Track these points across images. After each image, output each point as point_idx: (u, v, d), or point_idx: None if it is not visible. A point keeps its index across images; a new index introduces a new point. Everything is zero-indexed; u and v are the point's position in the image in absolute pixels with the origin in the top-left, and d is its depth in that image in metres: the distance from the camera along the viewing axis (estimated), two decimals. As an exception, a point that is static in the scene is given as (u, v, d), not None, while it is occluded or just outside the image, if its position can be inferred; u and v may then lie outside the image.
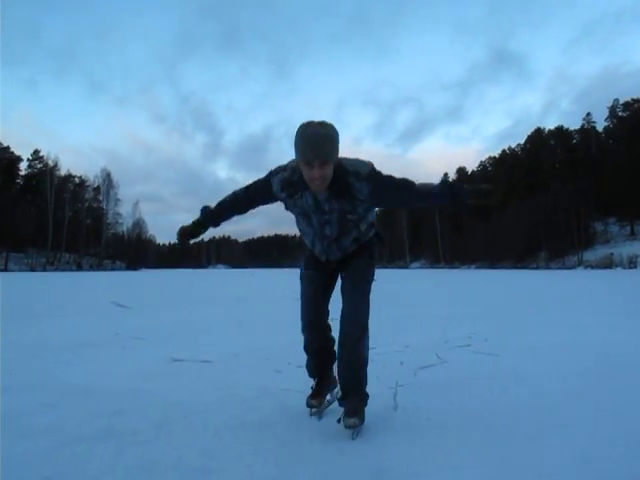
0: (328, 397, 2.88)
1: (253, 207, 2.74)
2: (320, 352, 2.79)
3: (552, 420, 2.53)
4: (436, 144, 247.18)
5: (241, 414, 2.67)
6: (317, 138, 2.19)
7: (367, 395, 2.55)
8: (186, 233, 2.68)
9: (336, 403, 2.68)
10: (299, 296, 2.76)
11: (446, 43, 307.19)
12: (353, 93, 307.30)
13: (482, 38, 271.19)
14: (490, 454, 2.10)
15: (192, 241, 2.68)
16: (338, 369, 2.58)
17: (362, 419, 2.42)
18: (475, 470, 1.94)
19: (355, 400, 2.46)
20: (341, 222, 2.49)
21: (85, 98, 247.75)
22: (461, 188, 2.40)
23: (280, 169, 2.51)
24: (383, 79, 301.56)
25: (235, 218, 2.81)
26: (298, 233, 2.79)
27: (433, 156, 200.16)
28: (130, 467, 1.98)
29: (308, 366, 2.88)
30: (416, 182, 2.44)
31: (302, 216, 2.57)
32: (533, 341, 5.05)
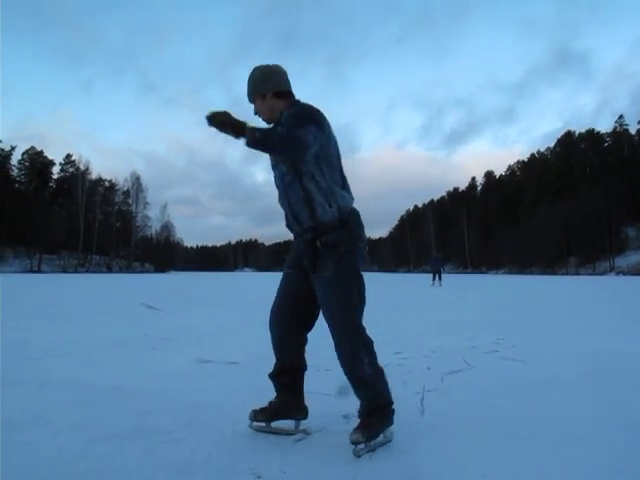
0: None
1: None
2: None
3: (582, 429, 2.48)
4: (481, 147, 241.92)
5: (291, 425, 2.68)
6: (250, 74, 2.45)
7: (379, 409, 2.33)
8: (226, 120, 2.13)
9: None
10: None
11: (508, 43, 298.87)
12: (405, 94, 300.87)
13: (546, 38, 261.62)
14: (518, 461, 2.07)
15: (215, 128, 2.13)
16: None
17: (369, 436, 2.21)
18: (503, 477, 1.93)
19: (363, 416, 2.32)
20: (276, 167, 2.43)
21: (135, 99, 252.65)
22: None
23: None
24: (437, 80, 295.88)
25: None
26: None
27: (477, 159, 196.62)
28: (160, 466, 2.01)
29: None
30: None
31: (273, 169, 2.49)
32: (562, 348, 4.98)
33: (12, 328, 6.33)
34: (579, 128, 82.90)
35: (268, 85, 2.41)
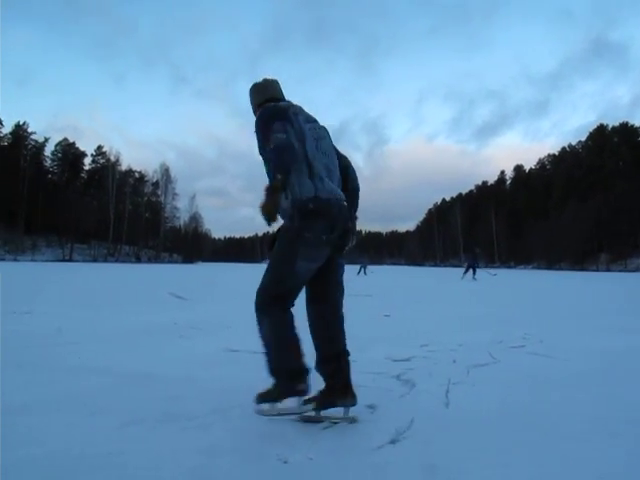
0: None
1: None
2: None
3: (608, 425, 2.46)
4: (512, 140, 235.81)
5: (296, 404, 2.72)
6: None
7: (273, 373, 2.59)
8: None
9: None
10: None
11: (543, 33, 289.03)
12: (436, 86, 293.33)
13: (582, 28, 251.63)
14: (542, 454, 2.07)
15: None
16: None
17: (259, 397, 2.55)
18: (526, 469, 1.93)
19: None
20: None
21: (166, 91, 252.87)
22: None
23: None
24: (468, 71, 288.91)
25: None
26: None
27: (507, 152, 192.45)
28: (189, 449, 2.06)
29: None
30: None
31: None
32: (591, 344, 4.91)
33: (45, 315, 6.51)
34: (614, 121, 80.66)
35: (261, 95, 2.78)
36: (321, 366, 2.58)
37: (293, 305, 2.63)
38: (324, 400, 2.51)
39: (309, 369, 2.53)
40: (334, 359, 2.57)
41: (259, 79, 2.87)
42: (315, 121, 2.72)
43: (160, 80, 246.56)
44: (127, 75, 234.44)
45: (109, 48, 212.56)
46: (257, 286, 2.67)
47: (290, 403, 2.53)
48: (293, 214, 2.44)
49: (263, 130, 2.48)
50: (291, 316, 2.61)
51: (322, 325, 2.65)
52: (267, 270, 2.65)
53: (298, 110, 2.65)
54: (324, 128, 2.75)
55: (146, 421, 2.39)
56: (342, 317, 2.68)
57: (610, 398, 2.96)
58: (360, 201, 2.92)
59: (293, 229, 2.45)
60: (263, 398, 2.53)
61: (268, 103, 2.67)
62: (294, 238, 2.45)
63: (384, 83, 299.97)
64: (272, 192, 2.25)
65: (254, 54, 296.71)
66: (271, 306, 2.61)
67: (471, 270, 23.93)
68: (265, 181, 2.40)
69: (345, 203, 2.59)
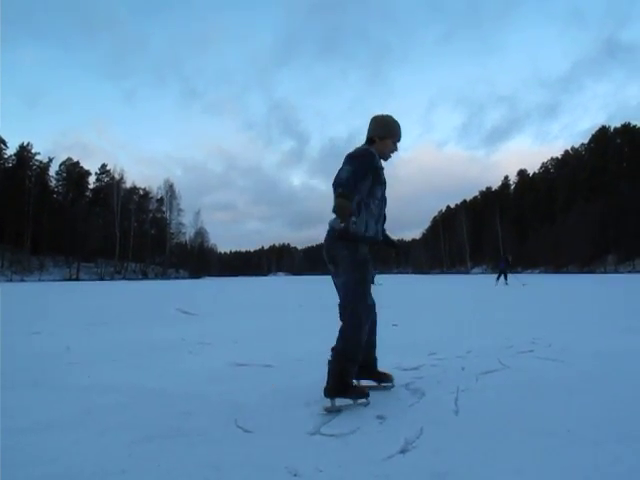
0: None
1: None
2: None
3: (619, 428, 2.45)
4: (523, 144, 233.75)
5: (305, 417, 2.73)
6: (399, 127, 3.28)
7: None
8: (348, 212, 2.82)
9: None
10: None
11: (554, 36, 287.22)
12: (446, 93, 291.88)
13: (593, 29, 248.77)
14: (553, 459, 2.07)
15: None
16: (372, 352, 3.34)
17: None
18: (537, 475, 1.93)
19: None
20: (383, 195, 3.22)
21: (176, 106, 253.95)
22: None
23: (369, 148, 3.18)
24: (479, 77, 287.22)
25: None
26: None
27: (517, 157, 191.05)
28: (200, 464, 2.08)
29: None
30: None
31: (382, 187, 3.18)
32: (599, 347, 4.88)
33: (54, 335, 6.55)
34: (627, 121, 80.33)
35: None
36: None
37: None
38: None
39: None
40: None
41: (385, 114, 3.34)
42: None
43: (170, 96, 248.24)
44: (137, 91, 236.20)
45: (120, 65, 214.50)
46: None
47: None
48: None
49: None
50: None
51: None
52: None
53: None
54: None
55: (157, 437, 2.41)
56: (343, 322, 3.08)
57: (620, 401, 2.95)
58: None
59: None
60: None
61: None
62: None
63: (395, 91, 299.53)
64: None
65: (265, 66, 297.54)
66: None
67: (503, 276, 25.56)
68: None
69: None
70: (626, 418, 2.62)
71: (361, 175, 2.96)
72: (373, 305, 3.22)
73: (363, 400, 2.98)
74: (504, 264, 26.39)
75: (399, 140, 3.28)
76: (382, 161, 3.23)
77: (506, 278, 25.44)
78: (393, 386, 3.35)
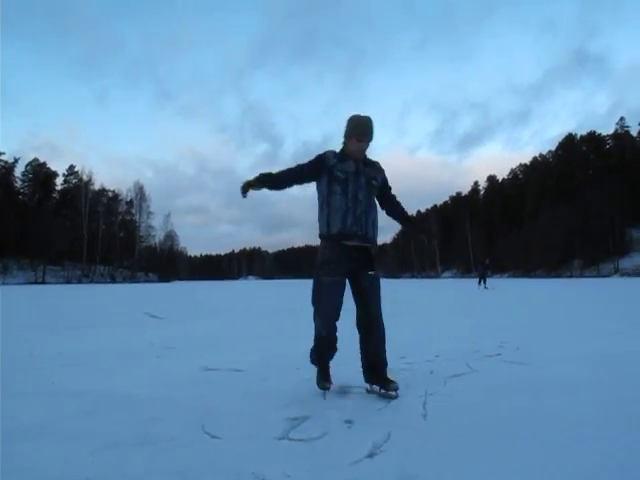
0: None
1: (302, 180, 3.46)
2: (332, 346, 3.43)
3: (583, 430, 2.50)
4: (493, 151, 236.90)
5: (273, 421, 2.72)
6: (369, 123, 3.36)
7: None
8: (247, 184, 3.40)
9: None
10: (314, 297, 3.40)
11: (527, 44, 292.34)
12: (420, 98, 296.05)
13: (565, 38, 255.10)
14: (519, 462, 2.10)
15: (249, 192, 3.47)
16: (368, 350, 3.37)
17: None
18: (503, 477, 1.96)
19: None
20: (368, 186, 3.35)
21: (149, 108, 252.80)
22: (420, 223, 3.24)
23: (328, 150, 3.43)
24: (454, 83, 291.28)
25: (285, 191, 3.63)
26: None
27: (488, 163, 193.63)
28: (166, 471, 2.05)
29: (317, 356, 3.48)
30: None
31: (341, 182, 3.30)
32: (566, 351, 4.98)
33: (17, 340, 6.39)
34: (594, 129, 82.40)
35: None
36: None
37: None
38: None
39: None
40: None
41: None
42: None
43: (143, 97, 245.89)
44: (109, 92, 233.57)
45: (93, 65, 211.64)
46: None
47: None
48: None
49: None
50: None
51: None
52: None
53: None
54: None
55: (123, 444, 2.37)
56: None
57: (586, 404, 3.00)
58: None
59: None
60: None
61: None
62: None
63: (369, 95, 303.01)
64: None
65: (240, 69, 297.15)
66: None
67: (482, 280, 26.21)
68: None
69: None
70: (589, 420, 2.67)
71: (298, 174, 3.43)
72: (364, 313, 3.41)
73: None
74: (481, 267, 26.93)
75: (365, 136, 3.35)
76: (356, 159, 3.38)
77: (485, 282, 25.89)
78: (396, 396, 3.22)
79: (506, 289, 25.15)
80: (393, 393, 3.20)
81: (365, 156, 3.44)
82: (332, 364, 3.50)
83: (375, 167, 3.49)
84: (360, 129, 3.33)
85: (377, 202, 3.50)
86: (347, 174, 3.31)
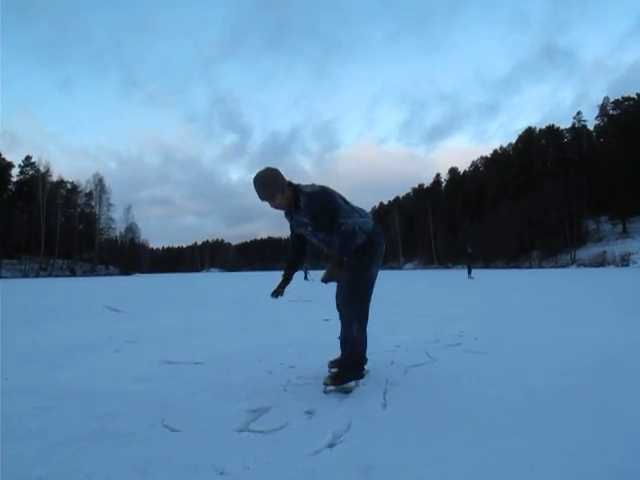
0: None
1: (300, 243, 3.58)
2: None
3: (539, 416, 2.57)
4: (460, 143, 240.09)
5: (234, 414, 2.70)
6: (256, 186, 3.13)
7: (352, 365, 3.40)
8: (278, 291, 3.59)
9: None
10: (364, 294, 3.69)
11: (498, 38, 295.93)
12: (390, 90, 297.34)
13: (535, 32, 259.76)
14: (475, 449, 2.14)
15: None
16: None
17: (336, 383, 3.21)
18: (460, 464, 1.99)
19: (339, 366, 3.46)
20: (307, 229, 3.32)
21: (115, 97, 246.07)
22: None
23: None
24: (424, 75, 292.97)
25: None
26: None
27: (454, 154, 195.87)
28: (123, 467, 2.02)
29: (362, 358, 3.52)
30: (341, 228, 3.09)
31: (298, 234, 3.49)
32: (524, 339, 5.10)
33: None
34: (558, 122, 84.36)
35: (282, 182, 3.15)
36: None
37: None
38: None
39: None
40: None
41: (261, 170, 3.18)
42: None
43: (109, 86, 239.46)
44: (74, 80, 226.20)
45: (59, 53, 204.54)
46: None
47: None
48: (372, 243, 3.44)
49: (332, 216, 3.12)
50: None
51: None
52: (350, 293, 3.61)
53: None
54: None
55: (78, 441, 2.31)
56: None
57: (541, 392, 3.08)
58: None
59: (365, 255, 3.37)
60: (343, 382, 3.22)
61: (295, 185, 3.22)
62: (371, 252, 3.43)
63: (340, 87, 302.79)
64: (339, 266, 3.12)
65: (210, 58, 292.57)
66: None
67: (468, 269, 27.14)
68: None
69: None
70: (543, 406, 2.74)
71: (295, 243, 3.63)
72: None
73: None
74: (467, 258, 27.61)
75: (266, 198, 3.18)
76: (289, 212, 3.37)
77: (470, 272, 26.74)
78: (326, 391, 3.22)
79: (467, 280, 25.61)
80: (323, 386, 3.23)
81: (293, 200, 3.22)
82: (295, 354, 3.51)
83: (300, 210, 3.23)
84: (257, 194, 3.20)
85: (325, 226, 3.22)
86: (292, 227, 3.49)
